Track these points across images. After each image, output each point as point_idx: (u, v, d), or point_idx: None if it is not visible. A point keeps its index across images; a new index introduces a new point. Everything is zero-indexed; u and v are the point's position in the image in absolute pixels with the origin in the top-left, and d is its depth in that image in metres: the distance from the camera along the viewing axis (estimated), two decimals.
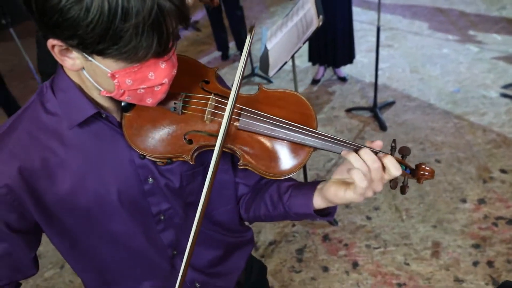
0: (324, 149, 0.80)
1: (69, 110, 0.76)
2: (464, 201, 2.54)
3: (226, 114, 0.73)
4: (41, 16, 0.60)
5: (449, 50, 4.15)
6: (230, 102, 0.73)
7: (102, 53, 0.62)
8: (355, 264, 2.30)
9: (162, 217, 0.89)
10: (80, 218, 0.81)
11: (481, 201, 2.52)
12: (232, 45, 4.74)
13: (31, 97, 0.79)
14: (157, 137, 0.78)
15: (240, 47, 4.62)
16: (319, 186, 0.84)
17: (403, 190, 0.84)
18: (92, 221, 0.82)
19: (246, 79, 4.14)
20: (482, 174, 2.70)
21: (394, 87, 3.72)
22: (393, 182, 0.83)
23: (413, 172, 0.85)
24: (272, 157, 0.79)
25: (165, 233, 0.91)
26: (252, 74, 4.21)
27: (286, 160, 0.79)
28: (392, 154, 0.84)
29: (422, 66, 3.97)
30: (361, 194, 0.75)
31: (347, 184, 0.78)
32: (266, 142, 0.79)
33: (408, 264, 2.25)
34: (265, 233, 2.58)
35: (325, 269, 2.30)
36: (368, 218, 2.55)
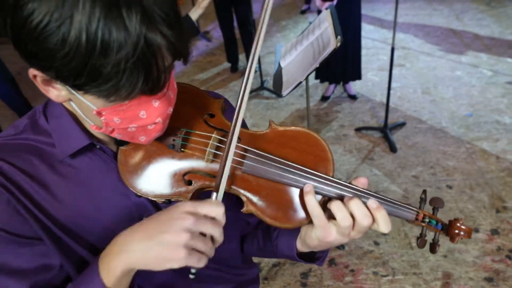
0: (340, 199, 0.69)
1: (62, 139, 0.70)
2: (476, 230, 2.46)
3: (225, 156, 0.65)
4: (16, 44, 0.54)
5: (462, 72, 4.10)
6: (228, 143, 0.65)
7: (80, 88, 0.55)
8: None
9: None
10: (74, 248, 0.74)
11: (494, 232, 2.43)
12: (242, 57, 4.71)
13: (22, 121, 0.73)
14: (154, 176, 0.71)
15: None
16: (302, 229, 0.76)
17: (433, 249, 0.73)
18: (82, 257, 0.75)
19: (254, 92, 4.09)
20: (495, 203, 2.61)
21: (405, 108, 3.66)
22: (420, 241, 0.73)
23: (446, 229, 0.74)
24: (281, 205, 0.70)
25: (162, 274, 0.84)
26: (261, 87, 4.17)
27: (296, 209, 0.69)
28: (421, 207, 0.74)
29: (434, 87, 3.91)
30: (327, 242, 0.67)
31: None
32: (275, 188, 0.70)
33: None
34: None
35: None
36: (376, 243, 2.47)
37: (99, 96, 0.56)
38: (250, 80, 0.66)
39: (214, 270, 0.91)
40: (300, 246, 0.77)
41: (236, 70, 4.68)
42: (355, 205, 0.64)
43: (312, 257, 0.82)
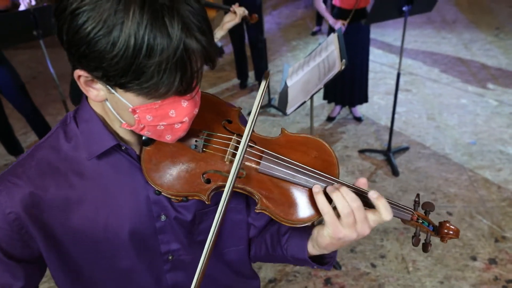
0: None
1: (90, 140, 0.76)
2: (474, 258, 2.46)
3: (238, 154, 0.71)
4: (69, 46, 0.61)
5: (467, 101, 4.14)
6: (242, 142, 0.71)
7: (124, 86, 0.62)
8: None
9: (170, 257, 0.87)
10: (87, 251, 0.80)
11: (492, 261, 2.43)
12: (251, 74, 4.80)
13: (55, 125, 0.80)
14: (175, 174, 0.76)
15: (258, 78, 4.68)
16: (314, 230, 0.81)
17: (425, 248, 0.80)
18: (99, 255, 0.81)
19: (261, 109, 4.16)
20: (494, 233, 2.62)
21: (409, 133, 3.70)
22: (415, 239, 0.81)
23: (436, 230, 0.82)
24: (291, 203, 0.76)
25: (171, 273, 0.88)
26: (269, 105, 4.24)
27: (306, 207, 0.76)
28: (415, 209, 0.82)
29: (439, 114, 3.95)
30: (336, 234, 0.71)
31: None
32: (286, 187, 0.76)
33: None
34: (265, 269, 2.51)
35: None
36: (373, 265, 2.47)
37: (139, 93, 0.63)
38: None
39: (220, 273, 0.94)
40: (312, 249, 0.82)
41: (245, 87, 4.77)
42: (344, 192, 0.70)
43: (321, 262, 0.86)
